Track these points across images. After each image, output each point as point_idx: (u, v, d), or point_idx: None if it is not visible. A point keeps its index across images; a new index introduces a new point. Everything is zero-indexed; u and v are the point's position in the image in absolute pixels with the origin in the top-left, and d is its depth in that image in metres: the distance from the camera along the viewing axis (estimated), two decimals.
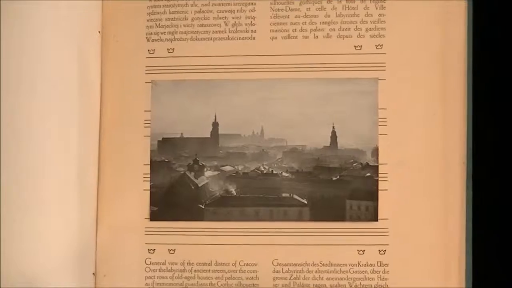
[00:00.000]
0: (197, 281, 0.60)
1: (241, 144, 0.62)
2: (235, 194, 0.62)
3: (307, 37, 0.62)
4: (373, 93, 0.60)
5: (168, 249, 0.61)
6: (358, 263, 0.60)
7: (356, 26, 0.61)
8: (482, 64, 0.59)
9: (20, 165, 0.55)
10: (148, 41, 0.63)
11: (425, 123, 0.60)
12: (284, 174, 0.61)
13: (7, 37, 0.55)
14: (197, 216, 0.61)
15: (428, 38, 0.61)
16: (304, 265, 0.60)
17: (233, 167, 0.62)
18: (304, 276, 0.60)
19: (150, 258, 0.61)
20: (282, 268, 0.60)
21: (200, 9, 0.62)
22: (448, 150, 0.60)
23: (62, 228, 0.57)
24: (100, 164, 0.62)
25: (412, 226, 0.60)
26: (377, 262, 0.60)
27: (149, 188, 0.61)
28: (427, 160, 0.60)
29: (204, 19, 0.62)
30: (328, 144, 0.61)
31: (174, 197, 0.62)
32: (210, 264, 0.61)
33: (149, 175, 0.61)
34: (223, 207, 0.61)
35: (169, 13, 0.62)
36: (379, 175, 0.60)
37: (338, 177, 0.61)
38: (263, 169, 0.62)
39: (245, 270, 0.61)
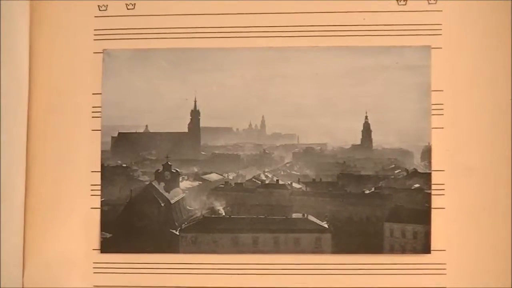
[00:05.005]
0: None
1: (232, 142, 0.57)
2: (224, 214, 0.56)
3: None
4: (424, 68, 0.54)
5: None
6: None
7: None
8: None
9: None
10: None
11: (498, 113, 0.54)
12: (294, 185, 0.56)
13: None
14: (168, 246, 0.55)
15: None
16: None
17: (221, 175, 0.57)
18: None
19: None
20: None
21: None
22: None
23: None
24: (29, 172, 0.56)
25: (479, 261, 0.54)
26: None
27: (99, 206, 0.55)
28: (502, 165, 0.54)
29: None
30: (359, 142, 0.55)
31: (135, 218, 0.56)
32: None
33: (99, 187, 0.56)
34: (207, 233, 0.56)
35: None
36: (433, 186, 0.54)
37: (373, 189, 0.55)
38: (264, 178, 0.57)
39: None
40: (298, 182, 0.56)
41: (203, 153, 0.57)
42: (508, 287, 0.53)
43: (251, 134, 0.57)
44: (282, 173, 0.57)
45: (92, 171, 0.56)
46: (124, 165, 0.56)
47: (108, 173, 0.56)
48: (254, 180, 0.57)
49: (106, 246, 0.55)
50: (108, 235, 0.55)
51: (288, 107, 0.56)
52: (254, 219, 0.56)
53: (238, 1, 0.56)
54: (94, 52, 0.56)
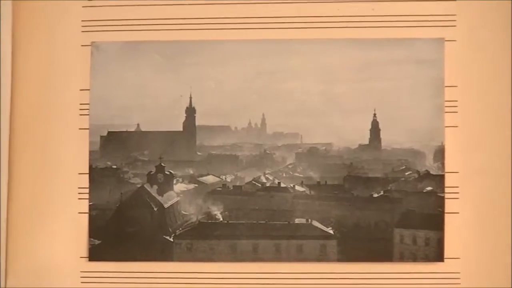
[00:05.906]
0: None
1: (230, 142, 0.56)
2: (221, 219, 0.55)
3: None
4: (437, 62, 0.53)
5: None
6: None
7: None
8: None
9: None
10: None
11: None
12: (297, 188, 0.56)
13: None
14: (162, 253, 0.55)
15: None
16: None
17: (219, 177, 0.57)
18: None
19: None
20: None
21: None
22: None
23: None
24: (11, 174, 0.55)
25: (495, 269, 0.53)
26: None
27: (87, 211, 0.55)
28: None
29: None
30: (367, 142, 0.55)
31: (126, 224, 0.55)
32: None
33: (87, 190, 0.55)
34: (203, 240, 0.55)
35: None
36: (446, 189, 0.53)
37: (381, 193, 0.55)
38: (265, 180, 0.56)
39: None
40: (301, 184, 0.55)
41: (199, 153, 0.56)
42: None
43: (251, 133, 0.56)
44: (284, 175, 0.56)
45: (80, 173, 0.54)
46: (114, 167, 0.56)
47: (96, 175, 0.55)
48: (254, 182, 0.56)
49: (95, 254, 0.54)
50: (97, 242, 0.54)
51: (291, 104, 0.55)
52: (254, 224, 0.55)
53: None
54: (82, 45, 0.54)
